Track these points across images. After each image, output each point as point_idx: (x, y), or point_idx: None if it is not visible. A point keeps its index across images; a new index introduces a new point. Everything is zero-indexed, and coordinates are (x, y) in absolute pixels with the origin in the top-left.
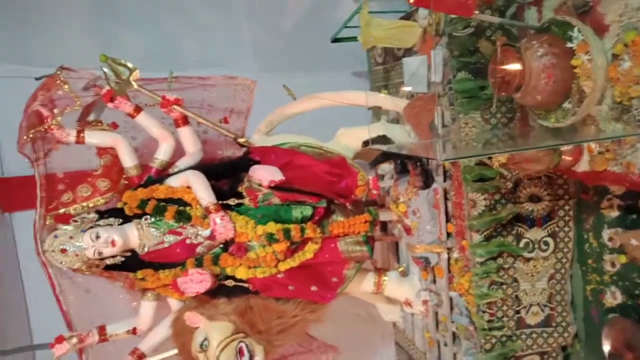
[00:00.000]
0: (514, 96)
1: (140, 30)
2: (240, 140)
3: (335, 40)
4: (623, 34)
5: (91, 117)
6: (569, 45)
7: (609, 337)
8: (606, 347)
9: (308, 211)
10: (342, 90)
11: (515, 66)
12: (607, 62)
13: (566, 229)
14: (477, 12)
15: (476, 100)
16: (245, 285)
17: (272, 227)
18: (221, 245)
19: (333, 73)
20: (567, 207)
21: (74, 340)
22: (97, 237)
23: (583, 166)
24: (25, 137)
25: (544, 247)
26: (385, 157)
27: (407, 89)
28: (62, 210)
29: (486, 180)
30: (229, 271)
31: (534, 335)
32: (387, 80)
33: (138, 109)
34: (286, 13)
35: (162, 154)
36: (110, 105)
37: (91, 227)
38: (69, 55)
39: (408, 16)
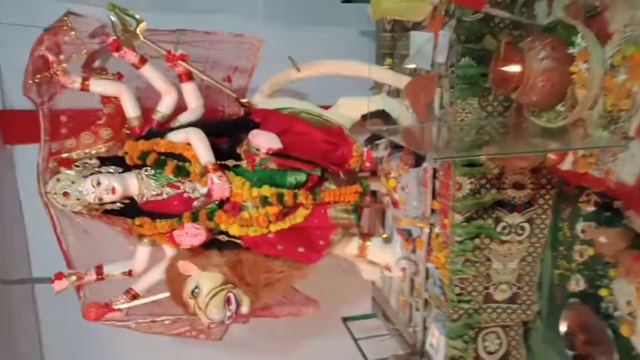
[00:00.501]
0: (511, 94)
1: None
2: (242, 100)
3: (346, 1)
4: (624, 45)
5: (96, 64)
6: (571, 50)
7: (567, 319)
8: (563, 328)
9: (302, 177)
10: (347, 59)
11: (515, 68)
12: (604, 71)
13: (543, 216)
14: (487, 5)
15: (476, 87)
16: (237, 241)
17: (266, 190)
18: (217, 202)
19: (340, 29)
20: (547, 197)
21: (73, 277)
22: (98, 183)
23: (566, 166)
24: (30, 81)
25: (520, 232)
26: (380, 137)
27: (411, 65)
28: (64, 155)
29: (474, 166)
30: (222, 227)
31: (499, 310)
32: (393, 48)
33: (143, 60)
34: None
35: (164, 107)
36: (115, 54)
37: (92, 174)
38: None
39: None
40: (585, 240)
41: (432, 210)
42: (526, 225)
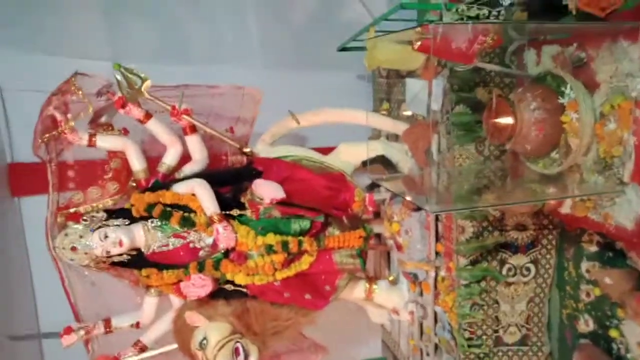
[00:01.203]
0: (505, 144)
1: (150, 22)
2: (245, 150)
3: (343, 49)
4: (612, 95)
5: (103, 120)
6: (561, 101)
7: None
8: None
9: (306, 224)
10: (345, 108)
11: (507, 120)
12: (594, 120)
13: (548, 256)
14: (477, 60)
15: (472, 133)
16: (244, 290)
17: (271, 239)
18: (222, 252)
19: (338, 74)
20: (550, 237)
21: (82, 332)
22: (106, 236)
23: (566, 209)
24: (39, 141)
25: (525, 273)
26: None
27: (408, 113)
28: (72, 210)
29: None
30: (228, 276)
31: (510, 353)
32: (389, 94)
33: (148, 116)
34: (294, 12)
35: (170, 159)
36: (121, 111)
37: (100, 227)
38: (79, 43)
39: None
40: (591, 280)
41: (437, 253)
42: (531, 266)
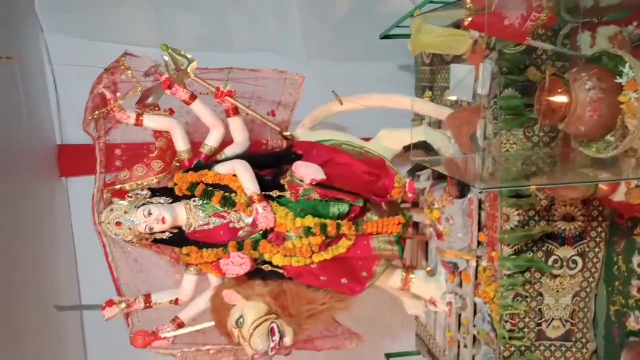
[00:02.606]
0: (558, 125)
1: (195, 10)
2: (285, 133)
3: (385, 37)
4: None
5: (149, 101)
6: (618, 80)
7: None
8: None
9: (345, 208)
10: (388, 93)
11: (561, 98)
12: None
13: (596, 249)
14: (530, 38)
15: (521, 118)
16: (281, 271)
17: (310, 221)
18: (261, 232)
19: (379, 64)
20: (599, 229)
21: (123, 305)
22: (150, 214)
23: (619, 197)
24: (90, 118)
25: (572, 266)
26: (422, 168)
27: (452, 97)
28: (118, 187)
29: (522, 197)
30: (266, 257)
31: (553, 348)
32: (432, 82)
33: (193, 97)
34: (337, 2)
35: (212, 140)
36: (168, 92)
37: (144, 204)
38: (127, 30)
39: (459, 24)
40: None
41: (479, 243)
42: (579, 259)
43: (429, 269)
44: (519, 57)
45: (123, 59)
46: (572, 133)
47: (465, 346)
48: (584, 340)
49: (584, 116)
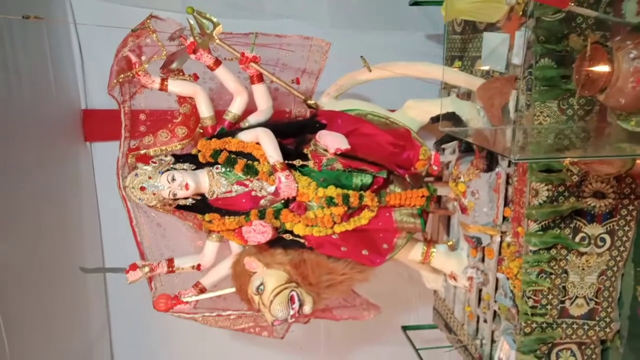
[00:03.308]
0: (596, 96)
1: None
2: (309, 102)
3: (415, 3)
4: None
5: (174, 66)
6: None
7: None
8: None
9: (368, 179)
10: (416, 61)
11: (603, 68)
12: None
13: (626, 228)
14: (572, 3)
15: (556, 89)
16: (301, 240)
17: (332, 191)
18: (282, 201)
19: (406, 33)
20: (630, 207)
21: (146, 269)
22: (173, 179)
23: None
24: (114, 81)
25: (600, 244)
26: (452, 138)
27: (484, 67)
28: (142, 151)
29: (552, 172)
30: (288, 226)
31: (575, 326)
32: (463, 51)
33: (218, 62)
34: None
35: (236, 107)
36: (192, 56)
37: (168, 170)
38: None
39: None
40: None
41: (504, 218)
42: (607, 237)
43: (450, 243)
44: (557, 25)
45: (149, 21)
46: (611, 105)
47: (485, 321)
48: (607, 320)
49: (625, 87)
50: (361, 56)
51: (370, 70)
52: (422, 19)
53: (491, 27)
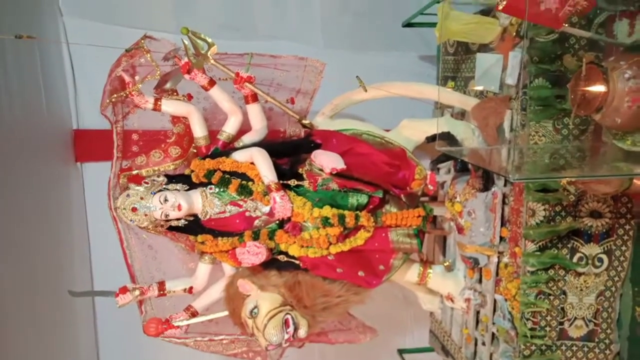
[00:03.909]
0: (592, 116)
1: None
2: (304, 121)
3: (408, 25)
4: None
5: (168, 86)
6: None
7: None
8: None
9: (364, 199)
10: (412, 81)
11: (599, 87)
12: None
13: (623, 248)
14: (565, 24)
15: (550, 109)
16: (296, 262)
17: (327, 211)
18: (277, 222)
19: (399, 54)
20: (627, 227)
21: (137, 292)
22: (166, 200)
23: None
24: (107, 101)
25: (597, 264)
26: (448, 157)
27: (478, 87)
28: (134, 172)
29: (549, 191)
30: (282, 247)
31: (574, 348)
32: (456, 72)
33: (212, 82)
34: None
35: (230, 127)
36: (186, 76)
37: (160, 190)
38: (146, 15)
39: (488, 11)
40: None
41: (501, 238)
42: (604, 257)
43: (446, 263)
44: (550, 46)
45: (143, 41)
46: (607, 125)
47: (483, 343)
48: (607, 341)
49: (621, 107)
50: (357, 76)
51: (366, 90)
52: (415, 40)
53: (484, 48)
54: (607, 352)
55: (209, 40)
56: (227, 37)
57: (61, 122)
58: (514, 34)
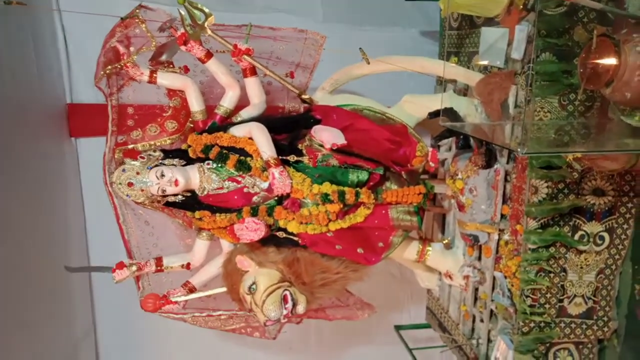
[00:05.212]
0: (602, 90)
1: None
2: (304, 96)
3: None
4: None
5: (163, 58)
6: None
7: None
8: None
9: (364, 176)
10: (414, 56)
11: (610, 60)
12: None
13: (625, 226)
14: None
15: (557, 84)
16: (295, 238)
17: (327, 187)
18: (276, 198)
19: (400, 29)
20: (629, 205)
21: (134, 267)
22: (162, 175)
23: None
24: (102, 73)
25: (598, 242)
26: (451, 133)
27: (482, 62)
28: (130, 146)
29: (552, 169)
30: (281, 223)
31: (573, 325)
32: (459, 47)
33: (209, 55)
34: None
35: (228, 101)
36: (183, 48)
37: (157, 165)
38: None
39: None
40: None
41: (502, 216)
42: (606, 235)
43: (445, 241)
44: (558, 19)
45: (138, 10)
46: (616, 100)
47: (482, 320)
48: (605, 319)
49: (632, 80)
50: (360, 48)
51: (369, 63)
52: (416, 15)
53: (489, 21)
54: (605, 329)
55: (206, 10)
56: (224, 10)
57: (54, 96)
58: (521, 7)
